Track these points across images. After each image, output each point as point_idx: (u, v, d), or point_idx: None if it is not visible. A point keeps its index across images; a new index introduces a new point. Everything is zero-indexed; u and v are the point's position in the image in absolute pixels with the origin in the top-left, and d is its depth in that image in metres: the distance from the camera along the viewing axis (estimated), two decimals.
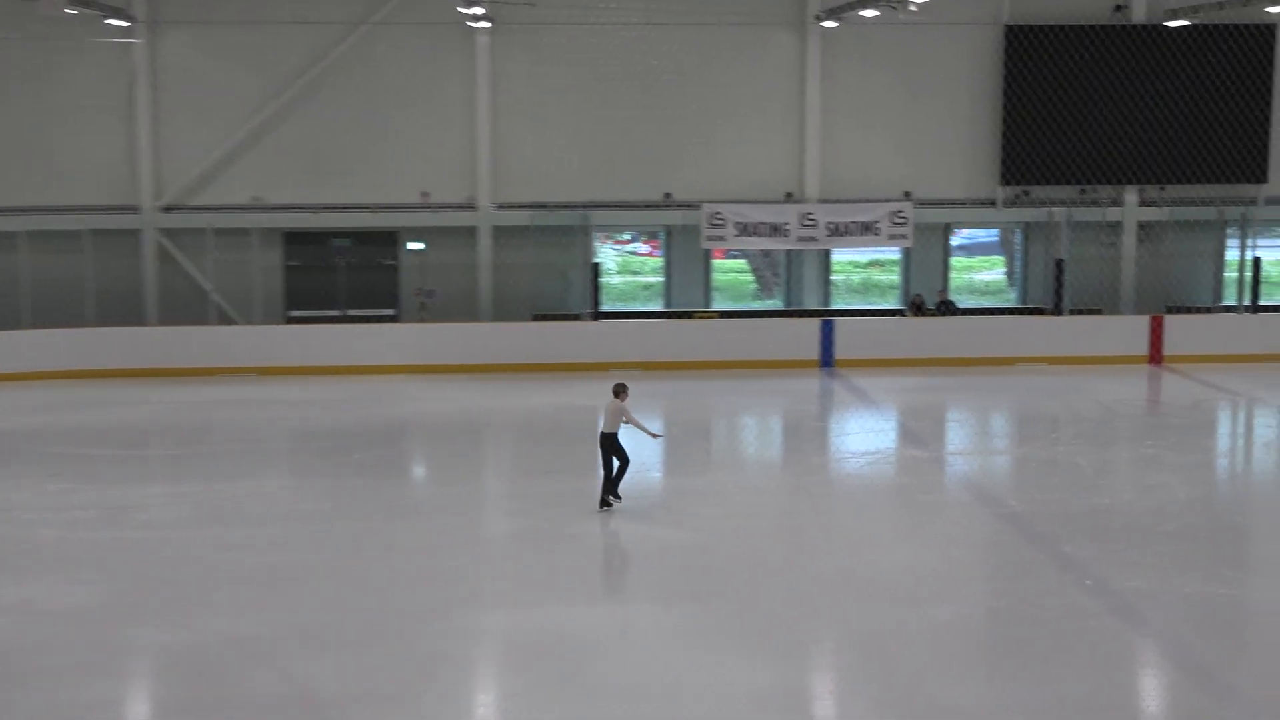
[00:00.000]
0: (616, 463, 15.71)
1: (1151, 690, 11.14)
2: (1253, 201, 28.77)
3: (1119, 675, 11.20)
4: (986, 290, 31.41)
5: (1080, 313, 28.43)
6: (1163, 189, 28.81)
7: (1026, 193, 28.73)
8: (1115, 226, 28.94)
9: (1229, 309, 28.53)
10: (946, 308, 28.39)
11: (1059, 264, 28.17)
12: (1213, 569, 13.73)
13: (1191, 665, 11.38)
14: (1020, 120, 28.15)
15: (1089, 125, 28.21)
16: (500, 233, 28.36)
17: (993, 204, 28.72)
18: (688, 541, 14.89)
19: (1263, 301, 28.36)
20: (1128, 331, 27.28)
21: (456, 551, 14.59)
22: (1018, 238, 29.96)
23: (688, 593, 13.13)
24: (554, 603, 12.81)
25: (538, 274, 28.38)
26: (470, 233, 28.39)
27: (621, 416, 15.55)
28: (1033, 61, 28.04)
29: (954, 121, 28.68)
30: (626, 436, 15.86)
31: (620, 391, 15.70)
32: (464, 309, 28.30)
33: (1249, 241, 28.29)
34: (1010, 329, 27.57)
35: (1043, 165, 28.32)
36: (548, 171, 28.23)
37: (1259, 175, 28.53)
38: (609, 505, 15.78)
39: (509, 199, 28.34)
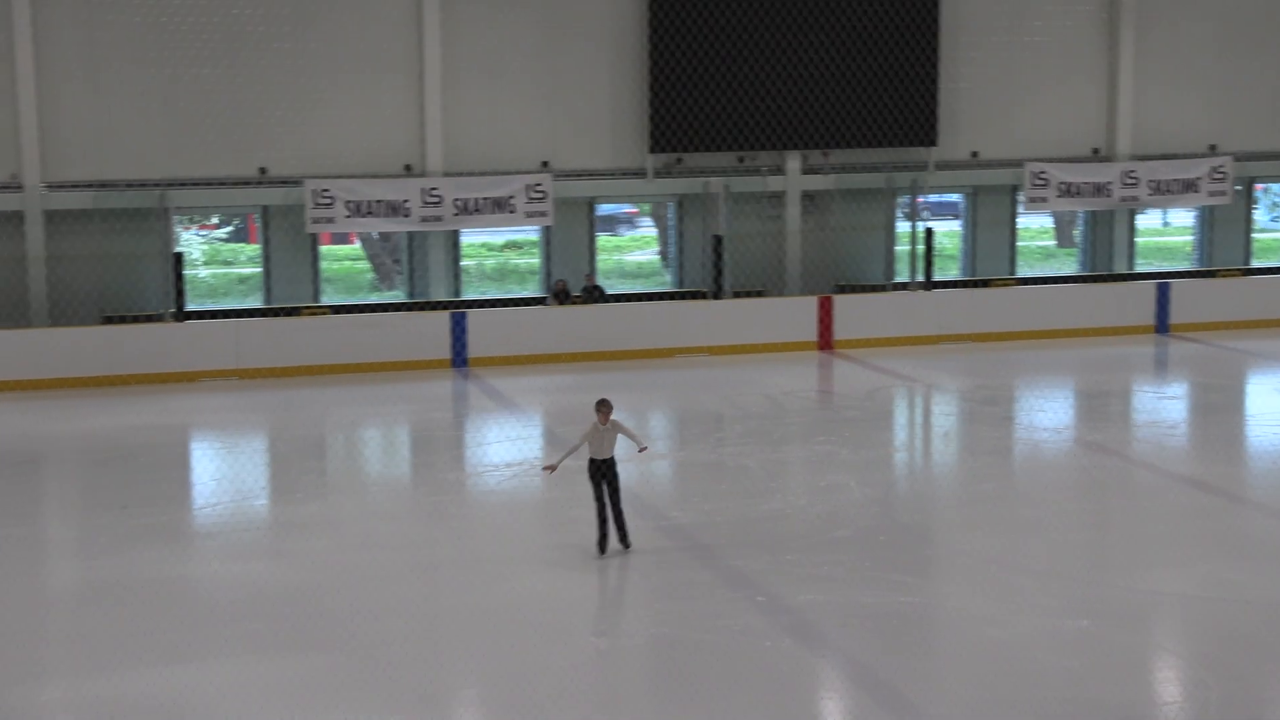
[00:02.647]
0: (608, 496, 15.10)
1: (833, 715, 11.59)
2: (922, 166, 30.47)
3: (797, 701, 11.60)
4: (639, 273, 32.12)
5: (743, 295, 29.41)
6: (827, 155, 30.13)
7: (679, 161, 29.49)
8: (778, 198, 30.08)
9: (901, 286, 30.13)
10: (594, 294, 28.83)
11: (717, 241, 29.04)
12: (893, 576, 14.42)
13: (874, 685, 11.90)
14: (670, 80, 28.86)
15: (746, 85, 29.19)
16: (55, 218, 26.96)
17: (642, 174, 29.34)
18: (297, 582, 14.56)
19: (936, 277, 30.08)
20: (794, 314, 28.41)
21: (7, 612, 13.75)
22: (671, 212, 30.73)
23: (298, 642, 12.82)
24: (133, 665, 12.28)
25: (106, 267, 27.15)
26: (15, 219, 26.87)
27: (614, 436, 15.02)
28: (682, 14, 28.79)
29: (597, 82, 29.13)
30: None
31: (600, 409, 15.02)
32: (11, 312, 26.77)
33: (922, 211, 29.99)
34: (666, 316, 28.23)
35: (697, 130, 29.13)
36: (114, 143, 27.03)
37: (928, 138, 30.24)
38: (627, 546, 15.23)
39: (64, 177, 26.97)
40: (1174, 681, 12.18)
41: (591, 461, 15.08)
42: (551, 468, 15.45)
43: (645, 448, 15.80)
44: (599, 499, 15.08)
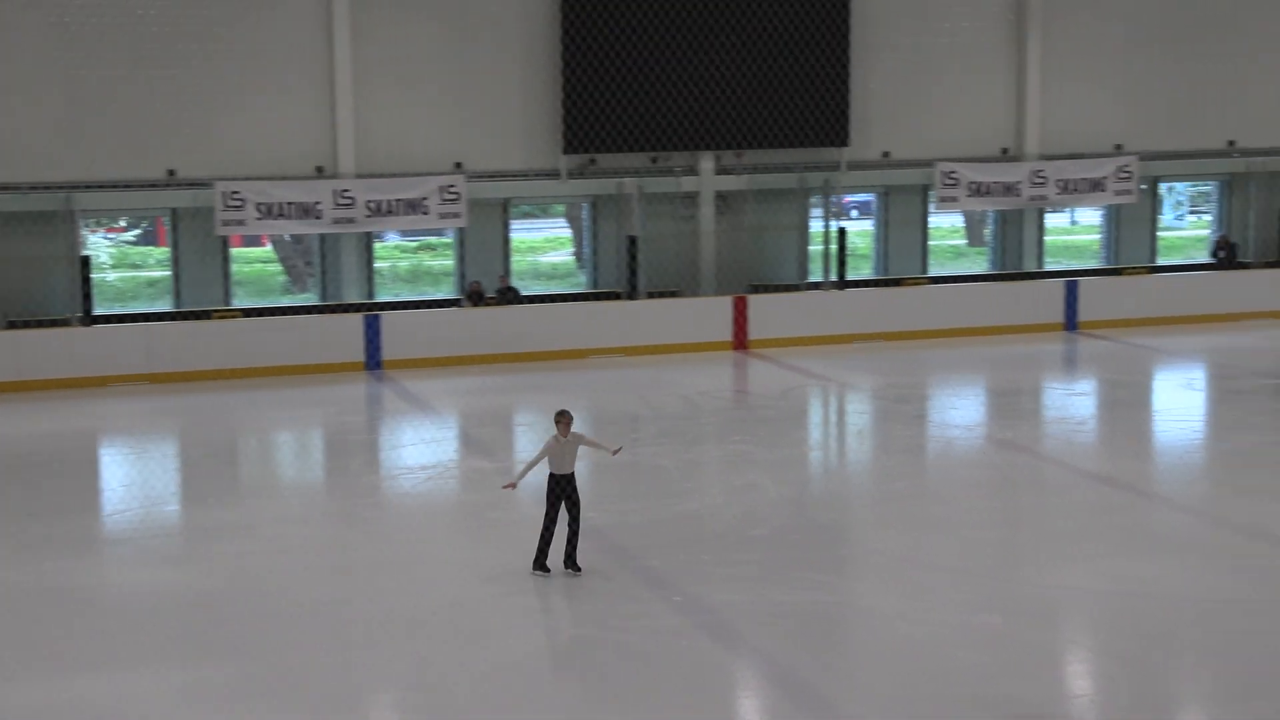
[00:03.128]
0: (567, 514, 14.29)
1: (750, 713, 11.68)
2: (835, 167, 30.70)
3: (714, 700, 11.68)
4: (554, 274, 32.13)
5: (657, 296, 29.49)
6: (740, 155, 30.27)
7: (593, 161, 29.51)
8: (692, 198, 30.20)
9: (815, 286, 30.33)
10: (509, 295, 28.80)
11: (632, 241, 29.10)
12: (808, 575, 14.56)
13: (790, 682, 12.01)
14: (583, 81, 28.87)
15: (659, 86, 29.27)
16: None
17: (556, 175, 29.34)
18: (210, 588, 14.44)
19: (850, 276, 30.32)
20: (709, 314, 28.52)
21: None
22: (585, 213, 30.76)
23: (211, 648, 12.72)
24: (43, 674, 12.14)
25: (10, 271, 26.75)
26: None
27: (575, 449, 14.23)
28: (594, 15, 28.82)
29: (509, 84, 29.07)
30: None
31: (564, 418, 14.20)
32: None
33: (834, 210, 30.20)
34: (581, 317, 28.26)
35: (610, 131, 29.16)
36: (17, 145, 26.63)
37: (840, 139, 30.47)
38: (576, 570, 14.42)
39: None
40: (1084, 675, 12.39)
41: (552, 477, 14.24)
42: (512, 485, 14.52)
43: (619, 449, 15.25)
44: (552, 516, 14.28)
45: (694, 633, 12.90)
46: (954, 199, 30.93)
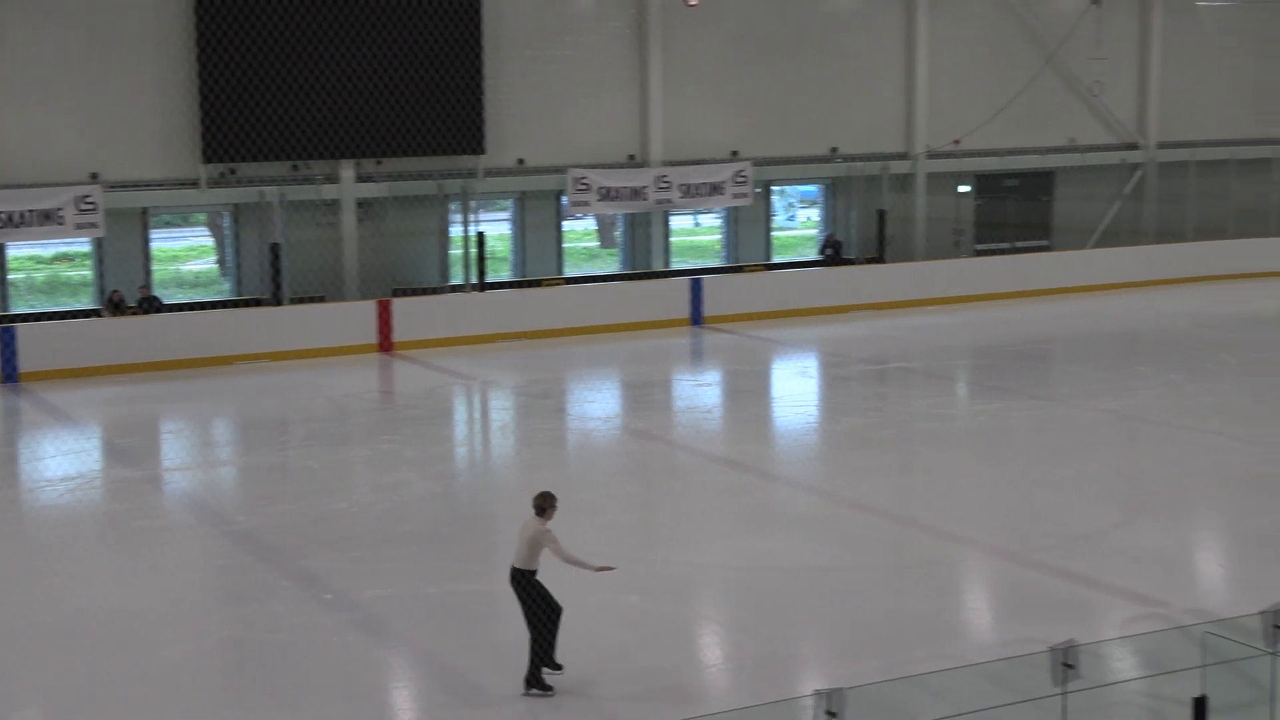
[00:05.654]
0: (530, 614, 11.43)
1: (402, 701, 11.63)
2: (472, 174, 30.76)
3: (367, 691, 11.58)
4: (196, 282, 31.17)
5: (302, 301, 28.96)
6: (380, 163, 30.00)
7: (233, 171, 28.76)
8: (333, 205, 29.76)
9: (457, 288, 30.33)
10: (151, 304, 27.79)
11: (274, 249, 28.49)
12: (457, 566, 14.59)
13: (441, 671, 12.01)
14: (221, 90, 28.07)
15: (298, 95, 28.70)
16: None
17: (195, 184, 28.46)
18: None
19: (490, 278, 30.44)
20: (354, 318, 28.15)
21: None
22: (227, 222, 29.95)
23: None
24: None
25: None
26: None
27: (540, 547, 11.30)
28: (229, 25, 28.04)
29: (146, 93, 28.02)
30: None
31: (546, 505, 11.45)
32: None
33: (471, 216, 30.24)
34: (225, 324, 27.47)
35: (250, 140, 28.43)
36: None
37: (476, 147, 30.54)
38: (545, 688, 11.33)
39: None
40: (715, 646, 12.81)
41: (529, 573, 11.41)
42: (607, 568, 11.77)
43: (607, 568, 11.91)
44: (532, 621, 11.39)
45: (345, 629, 12.78)
46: (585, 203, 31.40)
